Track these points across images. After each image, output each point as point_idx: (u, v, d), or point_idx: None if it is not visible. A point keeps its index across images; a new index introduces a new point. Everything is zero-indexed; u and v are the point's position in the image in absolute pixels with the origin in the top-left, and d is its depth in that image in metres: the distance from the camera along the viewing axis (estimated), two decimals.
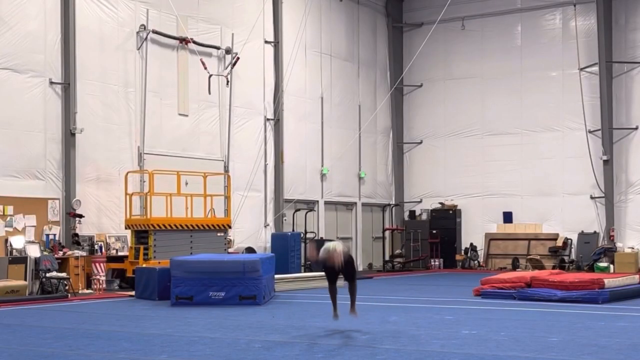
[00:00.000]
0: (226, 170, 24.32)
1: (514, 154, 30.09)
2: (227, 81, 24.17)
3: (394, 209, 31.38)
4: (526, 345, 10.21)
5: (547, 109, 29.54)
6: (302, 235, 25.87)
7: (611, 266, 26.57)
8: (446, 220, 30.72)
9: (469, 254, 29.96)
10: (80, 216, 20.21)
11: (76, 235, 20.13)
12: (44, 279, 18.15)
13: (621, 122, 28.29)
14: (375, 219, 31.03)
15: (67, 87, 20.30)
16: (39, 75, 19.92)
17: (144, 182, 21.83)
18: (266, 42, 26.21)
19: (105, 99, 21.44)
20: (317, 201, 28.39)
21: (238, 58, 24.18)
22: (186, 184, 21.82)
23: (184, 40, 23.25)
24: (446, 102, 31.47)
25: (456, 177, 31.12)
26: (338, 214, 29.71)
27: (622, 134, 28.28)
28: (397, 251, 30.74)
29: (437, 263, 30.15)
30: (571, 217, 28.81)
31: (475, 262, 29.93)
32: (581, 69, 28.48)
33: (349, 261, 11.42)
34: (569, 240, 28.69)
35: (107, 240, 20.98)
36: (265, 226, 25.93)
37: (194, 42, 23.42)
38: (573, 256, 28.47)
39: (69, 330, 12.13)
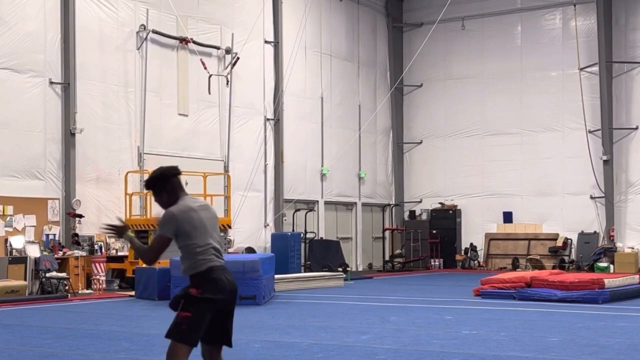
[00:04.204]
0: (226, 170, 24.32)
1: (514, 154, 30.08)
2: (227, 81, 24.17)
3: (394, 209, 31.37)
4: (526, 345, 10.21)
5: (547, 109, 29.53)
6: (302, 235, 25.86)
7: (611, 266, 26.56)
8: (446, 220, 30.71)
9: (469, 254, 29.95)
10: (80, 216, 20.20)
11: (76, 235, 20.13)
12: (43, 279, 18.15)
13: (621, 122, 28.29)
14: (375, 219, 31.02)
15: (67, 87, 20.29)
16: (38, 75, 19.91)
17: (144, 182, 21.80)
18: (266, 42, 26.21)
19: (105, 99, 21.44)
20: (317, 201, 28.39)
21: (238, 58, 24.17)
22: (186, 183, 21.55)
23: (184, 40, 23.24)
24: (446, 102, 31.46)
25: (456, 177, 31.11)
26: (338, 214, 29.71)
27: (622, 134, 28.27)
28: (397, 251, 30.74)
29: (437, 263, 30.14)
30: (571, 217, 28.80)
31: (475, 262, 29.92)
32: (581, 69, 28.48)
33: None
34: (569, 240, 28.68)
35: (107, 240, 20.97)
36: (265, 226, 25.92)
37: (194, 42, 23.42)
38: (573, 256, 28.46)
39: (69, 330, 12.13)
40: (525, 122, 29.91)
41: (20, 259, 18.17)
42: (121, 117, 21.81)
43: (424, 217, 31.28)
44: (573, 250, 28.69)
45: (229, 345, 5.99)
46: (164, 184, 6.12)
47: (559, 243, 28.71)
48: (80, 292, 18.87)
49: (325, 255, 26.18)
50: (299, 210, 26.70)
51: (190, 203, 6.06)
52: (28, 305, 16.28)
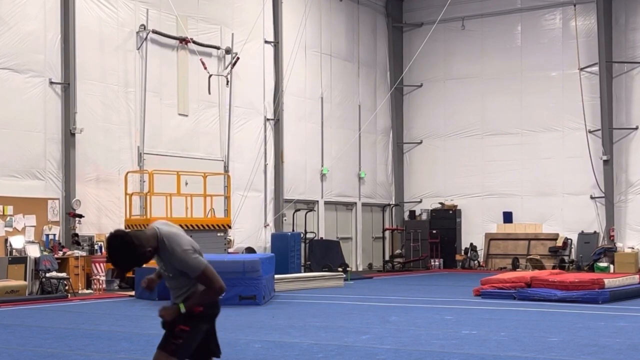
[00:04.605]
0: (226, 170, 24.32)
1: (514, 154, 30.09)
2: (227, 81, 24.17)
3: (394, 209, 31.38)
4: (526, 345, 10.21)
5: (547, 109, 29.53)
6: (302, 235, 25.86)
7: (611, 266, 26.57)
8: (446, 220, 30.71)
9: (469, 254, 29.95)
10: (80, 216, 20.21)
11: (76, 235, 20.13)
12: (43, 279, 18.15)
13: (621, 122, 28.29)
14: (375, 219, 31.02)
15: (67, 87, 20.29)
16: (38, 75, 19.91)
17: (144, 182, 21.84)
18: (266, 42, 26.21)
19: (105, 99, 21.44)
20: (317, 201, 28.39)
21: (238, 58, 24.17)
22: (186, 184, 21.82)
23: (183, 40, 23.24)
24: (446, 102, 31.46)
25: (456, 177, 31.12)
26: (338, 214, 29.71)
27: (622, 134, 28.27)
28: (397, 251, 30.74)
29: (437, 263, 30.14)
30: (571, 217, 28.81)
31: (475, 262, 29.92)
32: (581, 69, 28.48)
33: None
34: (569, 240, 28.68)
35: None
36: (265, 226, 25.92)
37: (194, 42, 23.42)
38: (573, 256, 28.46)
39: (69, 330, 12.13)
40: (525, 122, 29.92)
41: (20, 259, 18.17)
42: (121, 117, 21.81)
43: (424, 217, 31.28)
44: (573, 250, 28.69)
45: (218, 356, 5.77)
46: (134, 246, 5.48)
47: (559, 243, 28.71)
48: (80, 292, 18.87)
49: (325, 255, 26.19)
50: (299, 210, 26.70)
51: (171, 229, 5.52)
52: (28, 305, 16.28)
